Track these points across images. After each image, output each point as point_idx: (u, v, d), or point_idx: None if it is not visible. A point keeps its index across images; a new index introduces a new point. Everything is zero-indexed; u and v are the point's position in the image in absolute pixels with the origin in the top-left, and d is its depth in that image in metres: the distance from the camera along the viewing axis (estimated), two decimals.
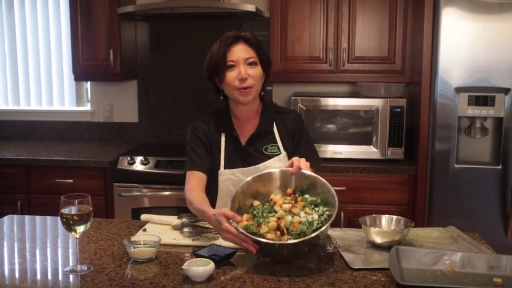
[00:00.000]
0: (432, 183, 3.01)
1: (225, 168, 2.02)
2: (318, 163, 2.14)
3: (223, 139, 2.04)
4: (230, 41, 1.94)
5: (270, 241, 1.54)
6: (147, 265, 1.61)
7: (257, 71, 1.95)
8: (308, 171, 1.75)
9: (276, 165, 2.01)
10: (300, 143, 2.08)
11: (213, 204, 2.02)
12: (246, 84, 1.92)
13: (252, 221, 1.61)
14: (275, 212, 1.65)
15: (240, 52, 1.93)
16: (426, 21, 2.98)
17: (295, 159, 1.78)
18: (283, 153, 2.04)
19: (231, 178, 2.01)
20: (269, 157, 2.02)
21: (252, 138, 2.04)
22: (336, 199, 1.63)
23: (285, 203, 1.67)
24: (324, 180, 1.71)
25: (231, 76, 1.93)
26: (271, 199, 1.72)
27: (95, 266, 1.60)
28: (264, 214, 1.65)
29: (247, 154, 2.03)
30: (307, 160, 1.91)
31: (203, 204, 1.80)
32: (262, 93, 2.06)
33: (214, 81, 2.01)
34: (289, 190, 1.73)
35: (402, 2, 3.31)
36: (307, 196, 1.71)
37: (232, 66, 1.93)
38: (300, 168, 1.74)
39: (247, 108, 2.03)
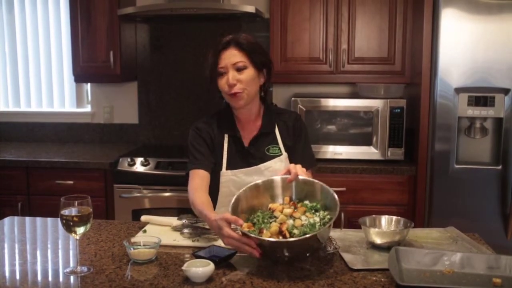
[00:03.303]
0: (432, 183, 3.01)
1: (227, 169, 2.03)
2: (314, 165, 2.14)
3: (225, 140, 2.05)
4: (221, 47, 1.96)
5: (274, 239, 1.53)
6: (147, 266, 1.62)
7: (246, 75, 1.95)
8: (306, 177, 1.76)
9: (277, 166, 2.03)
10: (299, 143, 2.09)
11: (214, 204, 2.03)
12: (234, 90, 1.93)
13: (253, 228, 1.61)
14: (276, 217, 1.65)
15: (228, 58, 1.94)
16: (425, 22, 2.98)
17: (291, 166, 1.78)
18: (284, 154, 2.06)
19: (233, 179, 2.02)
20: (271, 158, 2.04)
21: (255, 139, 2.05)
22: (338, 200, 1.63)
23: (285, 208, 1.67)
24: (323, 184, 1.71)
25: (222, 82, 1.96)
26: (270, 208, 1.72)
27: (95, 268, 1.60)
28: (265, 221, 1.65)
29: (249, 155, 2.04)
30: (303, 162, 1.94)
31: (205, 208, 1.80)
32: (263, 94, 2.07)
33: (216, 85, 2.02)
34: (286, 200, 1.73)
35: (401, 3, 3.31)
36: (306, 202, 1.71)
37: (222, 73, 1.95)
38: (297, 175, 1.74)
39: (246, 110, 2.04)
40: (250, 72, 1.96)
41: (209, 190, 2.05)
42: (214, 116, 2.11)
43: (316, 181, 1.75)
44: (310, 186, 1.74)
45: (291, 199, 1.73)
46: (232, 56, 1.94)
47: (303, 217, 1.62)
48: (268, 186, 1.78)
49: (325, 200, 1.69)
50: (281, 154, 2.05)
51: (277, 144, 2.07)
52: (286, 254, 1.55)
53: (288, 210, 1.65)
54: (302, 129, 2.12)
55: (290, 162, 2.06)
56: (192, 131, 2.09)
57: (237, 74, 1.94)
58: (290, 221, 1.61)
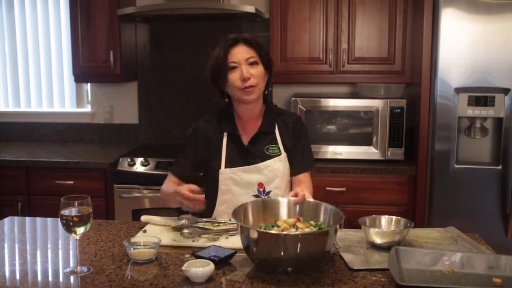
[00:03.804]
0: (432, 183, 3.01)
1: (225, 167, 2.04)
2: (313, 167, 2.16)
3: (225, 138, 2.06)
4: (230, 43, 1.98)
5: (276, 232, 1.52)
6: (147, 266, 1.62)
7: (259, 70, 1.98)
8: (312, 199, 1.76)
9: (277, 165, 2.03)
10: (299, 144, 2.10)
11: (213, 203, 2.06)
12: (249, 83, 1.95)
13: None
14: (278, 226, 1.65)
15: (240, 53, 1.96)
16: (425, 22, 2.98)
17: (298, 189, 1.80)
18: (284, 154, 2.06)
19: (232, 177, 2.03)
20: (270, 157, 2.04)
21: (255, 138, 2.06)
22: (340, 210, 1.63)
23: (289, 219, 1.69)
24: (327, 205, 1.71)
25: (234, 77, 1.96)
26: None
27: (95, 268, 1.60)
28: (267, 228, 1.65)
29: (248, 153, 2.04)
30: (302, 164, 2.04)
31: (175, 187, 1.93)
32: (266, 92, 2.08)
33: (218, 84, 2.03)
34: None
35: (401, 3, 3.31)
36: (311, 222, 1.70)
37: (234, 68, 1.96)
38: (304, 198, 1.75)
39: (251, 108, 2.05)
40: (260, 68, 1.99)
41: (209, 188, 2.09)
42: (215, 114, 2.12)
43: (321, 202, 1.74)
44: (315, 209, 1.73)
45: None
46: (244, 52, 1.97)
47: (307, 229, 1.62)
48: (274, 205, 1.77)
49: (329, 220, 1.68)
50: (281, 154, 2.06)
51: (277, 144, 2.07)
52: (288, 265, 1.51)
53: (292, 220, 1.67)
54: (302, 131, 2.12)
55: (290, 163, 2.07)
56: (190, 129, 2.12)
57: (250, 68, 1.96)
58: (293, 230, 1.60)
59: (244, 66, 1.95)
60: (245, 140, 2.06)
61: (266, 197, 2.01)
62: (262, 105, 2.10)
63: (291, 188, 2.09)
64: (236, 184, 2.02)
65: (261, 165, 2.02)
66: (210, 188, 2.08)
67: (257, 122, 2.08)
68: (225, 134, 2.06)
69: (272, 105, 2.21)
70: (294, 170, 2.09)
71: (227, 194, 2.03)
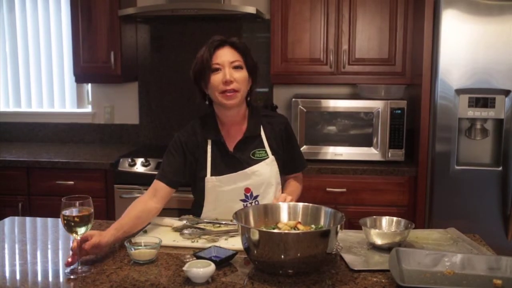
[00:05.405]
0: (433, 184, 3.01)
1: (211, 175, 2.00)
2: (305, 166, 2.19)
3: (209, 146, 2.02)
4: (216, 44, 1.94)
5: (274, 231, 1.53)
6: (147, 266, 1.62)
7: (242, 74, 1.94)
8: (305, 203, 1.77)
9: (264, 169, 2.00)
10: (290, 147, 2.10)
11: (200, 208, 2.05)
12: (231, 87, 1.91)
13: None
14: (279, 228, 1.65)
15: (225, 55, 1.92)
16: (426, 23, 2.99)
17: (285, 195, 1.86)
18: (271, 157, 2.03)
19: (218, 185, 2.00)
20: (257, 162, 2.01)
21: (240, 144, 2.02)
22: (343, 216, 1.63)
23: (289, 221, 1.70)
24: (327, 208, 1.72)
25: (216, 79, 1.92)
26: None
27: (96, 268, 1.60)
28: (268, 229, 1.65)
29: (234, 160, 2.01)
30: (298, 166, 2.10)
31: (116, 222, 1.80)
32: (249, 98, 2.04)
33: (200, 85, 2.00)
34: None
35: (402, 4, 3.31)
36: (313, 226, 1.71)
37: (217, 69, 1.92)
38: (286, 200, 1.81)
39: (233, 113, 2.01)
40: (244, 73, 1.95)
41: (196, 196, 2.06)
42: (196, 122, 2.08)
43: (321, 206, 1.74)
44: (316, 213, 1.73)
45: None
46: (229, 54, 1.93)
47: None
48: (275, 210, 1.77)
49: (330, 223, 1.68)
50: (268, 157, 2.03)
51: (263, 147, 2.04)
52: (289, 268, 1.50)
53: (292, 222, 1.67)
54: (292, 134, 2.13)
55: (283, 165, 2.07)
56: (173, 141, 2.07)
57: (234, 72, 1.92)
58: (293, 232, 1.61)
59: (227, 69, 1.91)
60: (230, 146, 2.02)
61: (254, 201, 2.00)
62: (245, 109, 2.05)
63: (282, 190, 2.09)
64: (223, 191, 1.99)
65: (248, 170, 1.99)
66: (198, 195, 2.06)
67: (241, 126, 2.04)
68: (209, 141, 2.02)
69: (257, 108, 2.15)
70: (289, 170, 2.11)
71: (214, 201, 2.01)
